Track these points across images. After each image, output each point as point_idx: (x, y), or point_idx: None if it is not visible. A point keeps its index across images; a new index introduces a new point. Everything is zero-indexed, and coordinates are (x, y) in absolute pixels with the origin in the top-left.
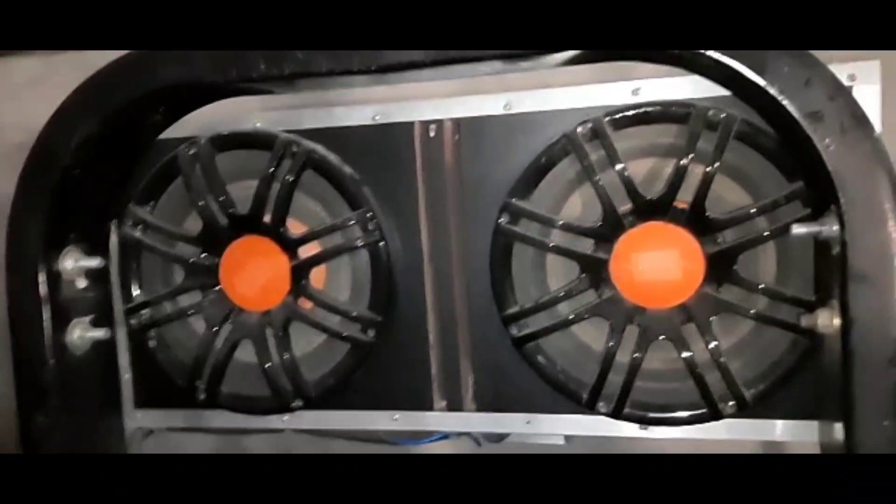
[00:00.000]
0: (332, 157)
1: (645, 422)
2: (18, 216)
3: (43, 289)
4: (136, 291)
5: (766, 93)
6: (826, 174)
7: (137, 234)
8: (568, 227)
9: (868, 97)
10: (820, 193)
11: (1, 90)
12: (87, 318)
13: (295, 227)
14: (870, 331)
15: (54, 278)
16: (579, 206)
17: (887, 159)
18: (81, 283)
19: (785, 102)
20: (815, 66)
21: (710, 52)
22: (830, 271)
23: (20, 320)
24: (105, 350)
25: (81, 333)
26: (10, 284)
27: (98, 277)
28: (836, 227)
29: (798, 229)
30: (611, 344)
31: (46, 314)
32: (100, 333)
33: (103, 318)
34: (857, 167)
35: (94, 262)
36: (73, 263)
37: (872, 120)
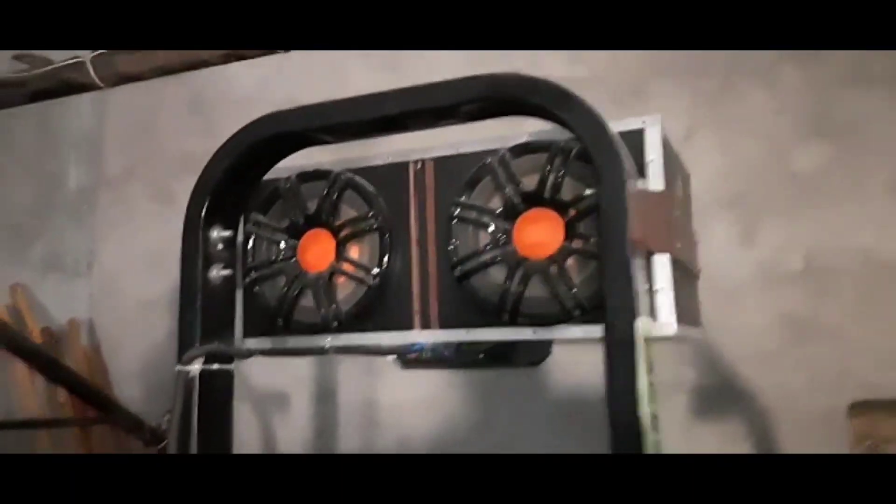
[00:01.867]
0: (364, 182)
1: (533, 325)
2: (191, 205)
3: (201, 246)
4: (248, 259)
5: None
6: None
7: (252, 227)
8: (492, 212)
9: (652, 139)
10: None
11: None
12: (221, 265)
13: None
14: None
15: (206, 240)
16: (499, 201)
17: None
18: (220, 245)
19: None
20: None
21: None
22: None
23: (187, 263)
24: (230, 288)
25: (217, 273)
26: (185, 242)
27: (229, 243)
28: None
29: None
30: (507, 281)
31: (200, 260)
32: (227, 272)
33: (230, 266)
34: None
35: (228, 234)
36: (217, 234)
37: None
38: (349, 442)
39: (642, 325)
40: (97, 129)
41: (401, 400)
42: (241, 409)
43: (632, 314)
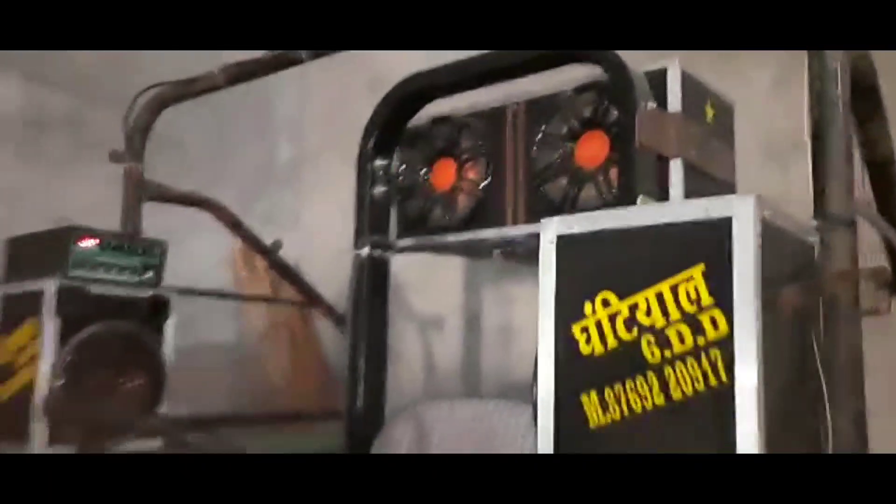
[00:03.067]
0: (476, 121)
1: None
2: (361, 145)
3: (368, 171)
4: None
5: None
6: None
7: (400, 158)
8: (560, 135)
9: (672, 76)
10: None
11: None
12: (381, 185)
13: None
14: None
15: (370, 168)
16: (566, 128)
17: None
18: (380, 171)
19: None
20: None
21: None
22: None
23: (359, 184)
24: (387, 201)
25: (378, 190)
26: (358, 170)
27: (386, 170)
28: None
29: None
30: (568, 185)
31: (367, 181)
32: (384, 189)
33: (387, 186)
34: None
35: (384, 163)
36: (378, 163)
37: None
38: (490, 358)
39: (640, 200)
40: (298, 112)
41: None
42: (408, 328)
43: (633, 193)
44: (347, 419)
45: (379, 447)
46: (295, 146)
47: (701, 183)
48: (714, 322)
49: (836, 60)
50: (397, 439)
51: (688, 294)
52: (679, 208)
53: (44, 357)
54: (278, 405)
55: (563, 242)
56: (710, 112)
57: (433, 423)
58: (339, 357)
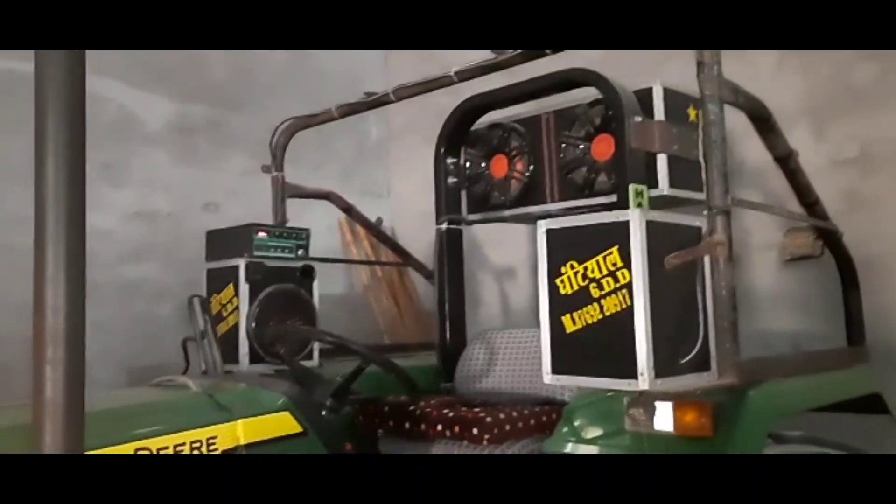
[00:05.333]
0: (520, 127)
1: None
2: (437, 147)
3: (442, 166)
4: (465, 172)
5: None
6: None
7: (466, 155)
8: (579, 137)
9: (656, 93)
10: None
11: None
12: (452, 176)
13: None
14: None
15: (444, 163)
16: (584, 131)
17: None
18: (451, 166)
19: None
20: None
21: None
22: None
23: (436, 176)
24: (458, 188)
25: (450, 180)
26: (435, 165)
27: (455, 164)
28: None
29: None
30: (587, 173)
31: (442, 173)
32: (455, 179)
33: (457, 177)
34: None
35: (454, 160)
36: (449, 160)
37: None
38: None
39: (633, 188)
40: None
41: None
42: (486, 279)
43: (626, 180)
44: (441, 346)
45: (462, 364)
46: (383, 126)
47: (685, 167)
48: (623, 276)
49: (714, 98)
50: (475, 357)
51: (612, 261)
52: (604, 216)
53: (241, 308)
54: (383, 340)
55: (551, 233)
56: (692, 113)
57: (500, 345)
58: (429, 301)
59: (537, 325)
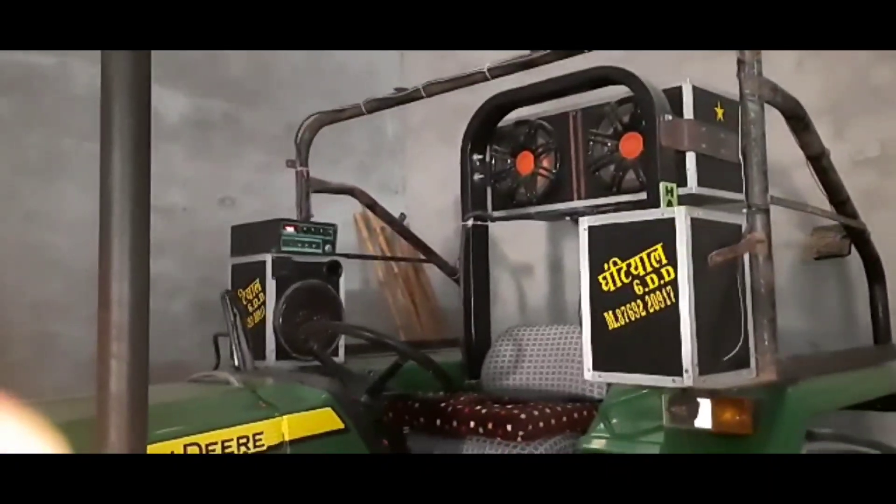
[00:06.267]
0: (546, 124)
1: (626, 192)
2: (463, 144)
3: (468, 163)
4: (491, 169)
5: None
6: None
7: (492, 152)
8: (607, 135)
9: (686, 91)
10: None
11: None
12: (478, 173)
13: None
14: None
15: (470, 160)
16: (612, 129)
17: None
18: (477, 163)
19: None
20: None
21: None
22: None
23: (463, 174)
24: (484, 185)
25: (476, 177)
26: (462, 162)
27: (481, 161)
28: None
29: None
30: (615, 171)
31: (468, 171)
32: (481, 176)
33: (483, 174)
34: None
35: (480, 156)
36: (475, 156)
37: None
38: (571, 296)
39: (664, 186)
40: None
41: None
42: (503, 276)
43: (657, 178)
44: (466, 343)
45: (488, 361)
46: (399, 122)
47: (712, 165)
48: (668, 272)
49: (755, 97)
50: (502, 354)
51: (656, 258)
52: (648, 213)
53: (268, 304)
54: (399, 337)
55: (592, 230)
56: (719, 112)
57: (527, 342)
58: (447, 298)
59: (556, 322)
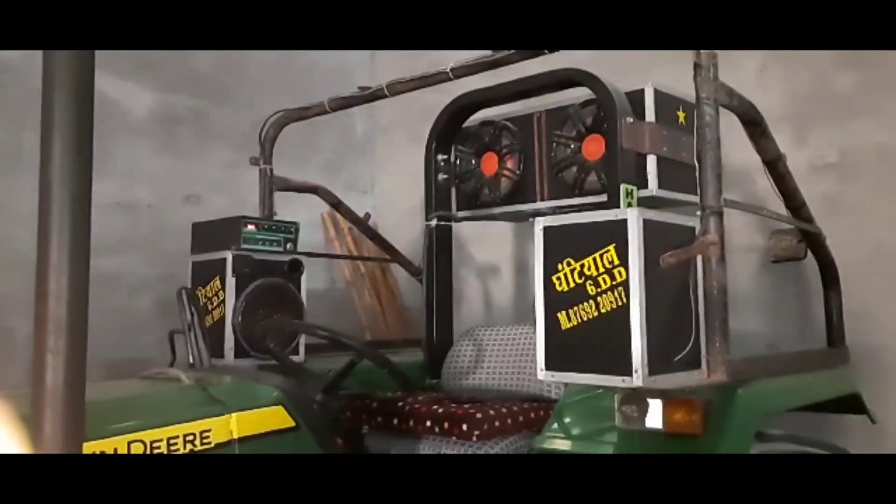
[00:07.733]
0: (511, 125)
1: (589, 195)
2: (427, 143)
3: (433, 163)
4: (456, 169)
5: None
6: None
7: (457, 152)
8: (570, 137)
9: (647, 94)
10: None
11: None
12: (442, 173)
13: None
14: None
15: (434, 160)
16: (575, 131)
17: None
18: (441, 163)
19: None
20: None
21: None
22: None
23: (427, 173)
24: (448, 185)
25: (440, 177)
26: (426, 162)
27: (446, 161)
28: None
29: None
30: (577, 173)
31: (432, 170)
32: (446, 176)
33: (447, 174)
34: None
35: (445, 156)
36: (440, 156)
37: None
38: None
39: (624, 188)
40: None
41: None
42: (469, 276)
43: (618, 180)
44: (427, 342)
45: (449, 361)
46: (369, 121)
47: (673, 168)
48: (620, 273)
49: (710, 100)
50: (462, 354)
51: (608, 259)
52: (602, 214)
53: (227, 301)
54: (365, 336)
55: (548, 230)
56: (681, 115)
57: (487, 342)
58: (414, 298)
59: (521, 322)
